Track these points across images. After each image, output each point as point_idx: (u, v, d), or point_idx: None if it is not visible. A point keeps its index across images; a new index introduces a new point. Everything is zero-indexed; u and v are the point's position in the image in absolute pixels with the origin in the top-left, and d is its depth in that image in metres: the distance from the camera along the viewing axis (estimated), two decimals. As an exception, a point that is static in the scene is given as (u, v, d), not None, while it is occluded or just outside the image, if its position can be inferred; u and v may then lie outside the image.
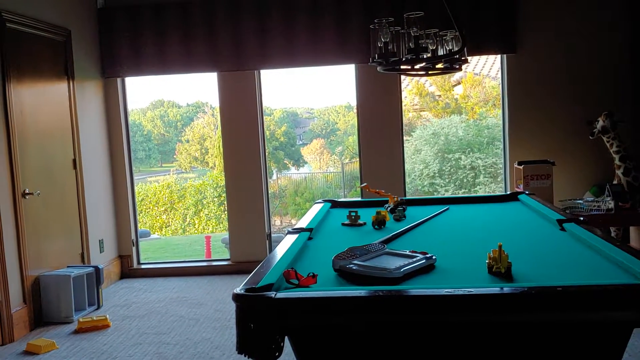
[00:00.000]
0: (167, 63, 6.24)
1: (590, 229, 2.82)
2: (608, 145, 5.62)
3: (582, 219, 3.09)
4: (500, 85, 6.31)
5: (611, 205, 5.36)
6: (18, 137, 4.84)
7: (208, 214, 15.24)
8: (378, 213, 3.41)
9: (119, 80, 6.43)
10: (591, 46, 5.95)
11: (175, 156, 22.63)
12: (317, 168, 19.99)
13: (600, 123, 5.58)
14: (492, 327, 1.93)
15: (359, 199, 6.40)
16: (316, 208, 4.04)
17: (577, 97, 5.98)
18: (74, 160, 5.69)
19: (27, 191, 4.91)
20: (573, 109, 5.98)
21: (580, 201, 5.59)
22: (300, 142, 22.74)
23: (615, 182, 5.64)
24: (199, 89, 29.83)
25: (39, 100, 5.25)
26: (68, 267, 5.35)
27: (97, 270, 5.34)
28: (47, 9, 5.38)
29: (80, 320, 4.85)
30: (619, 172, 5.57)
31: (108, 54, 6.28)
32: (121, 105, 6.46)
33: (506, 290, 1.98)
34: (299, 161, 21.19)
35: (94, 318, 4.88)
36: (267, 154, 6.56)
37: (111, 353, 4.30)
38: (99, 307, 5.37)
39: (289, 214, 14.93)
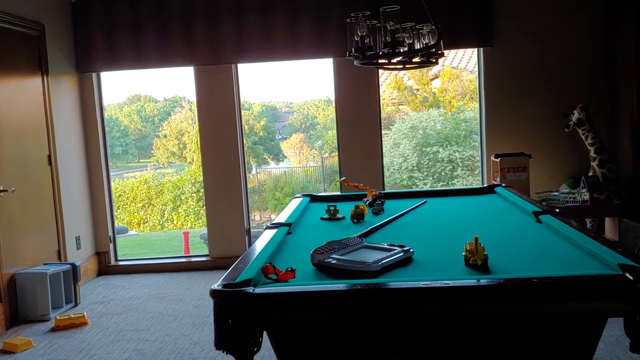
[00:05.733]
0: (143, 57, 6.17)
1: (566, 221, 2.85)
2: (583, 137, 5.68)
3: (557, 210, 3.12)
4: (477, 79, 6.35)
5: (586, 196, 5.43)
6: (-9, 133, 4.77)
7: (187, 210, 15.12)
8: (356, 207, 3.41)
9: (94, 75, 6.35)
10: (567, 40, 6.00)
11: (152, 151, 22.40)
12: (296, 162, 19.94)
13: (575, 116, 5.64)
14: (469, 319, 1.94)
15: (338, 193, 6.40)
16: (295, 202, 4.03)
17: (553, 90, 6.04)
18: (49, 156, 5.61)
19: (1, 188, 4.84)
20: (549, 101, 6.04)
21: (556, 193, 5.65)
22: (280, 137, 22.66)
23: (590, 174, 5.71)
24: (176, 83, 29.60)
25: (13, 95, 5.16)
26: (44, 264, 5.29)
27: (74, 267, 5.29)
28: (20, 3, 5.28)
29: (58, 318, 4.80)
30: (594, 164, 5.64)
31: (83, 48, 6.19)
32: (96, 100, 6.38)
33: (483, 282, 2.00)
34: (278, 156, 21.11)
35: (72, 316, 4.83)
36: (246, 148, 6.53)
37: (89, 350, 4.26)
38: (76, 305, 5.31)
39: (269, 209, 14.88)
